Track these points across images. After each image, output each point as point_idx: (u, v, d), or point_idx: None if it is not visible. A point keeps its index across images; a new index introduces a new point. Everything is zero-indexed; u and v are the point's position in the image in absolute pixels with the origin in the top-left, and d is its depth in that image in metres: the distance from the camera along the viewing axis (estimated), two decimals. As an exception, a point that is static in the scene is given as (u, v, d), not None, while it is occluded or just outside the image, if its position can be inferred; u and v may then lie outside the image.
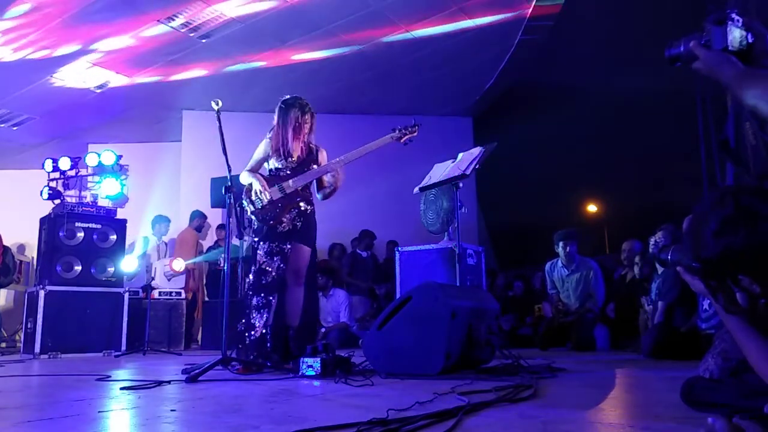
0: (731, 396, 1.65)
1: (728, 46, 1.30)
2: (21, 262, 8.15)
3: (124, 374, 3.52)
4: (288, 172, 3.77)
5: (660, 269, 4.82)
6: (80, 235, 5.80)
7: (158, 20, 6.19)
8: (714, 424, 1.14)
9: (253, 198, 3.75)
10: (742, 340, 1.41)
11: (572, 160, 11.15)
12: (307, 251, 3.81)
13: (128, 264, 6.24)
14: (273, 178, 3.78)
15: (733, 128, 1.45)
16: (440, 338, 2.94)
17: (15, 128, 8.76)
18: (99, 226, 5.94)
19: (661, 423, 1.63)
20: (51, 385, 3.02)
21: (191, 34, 6.54)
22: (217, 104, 3.46)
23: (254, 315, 3.62)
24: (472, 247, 5.04)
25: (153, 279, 6.38)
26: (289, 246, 3.72)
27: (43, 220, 5.97)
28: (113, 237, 6.01)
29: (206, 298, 7.40)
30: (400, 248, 5.10)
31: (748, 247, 1.21)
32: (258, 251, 3.73)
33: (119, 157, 6.27)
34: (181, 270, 6.92)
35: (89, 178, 6.29)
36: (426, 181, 4.87)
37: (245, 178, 3.80)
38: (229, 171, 3.47)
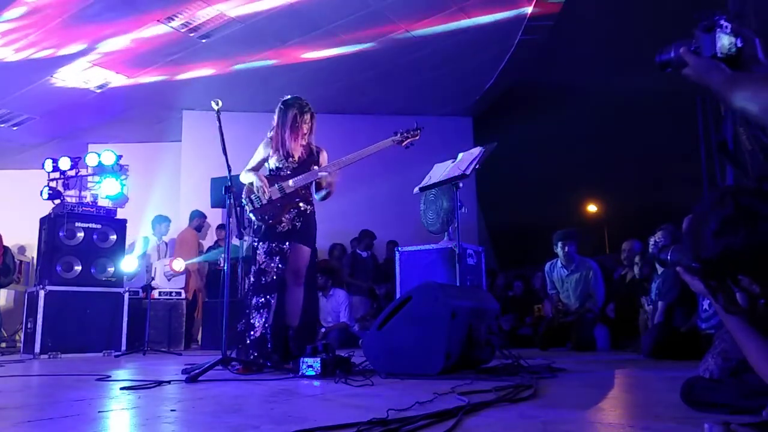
0: (731, 396, 1.65)
1: (717, 53, 1.31)
2: (21, 262, 8.15)
3: (124, 374, 3.52)
4: (288, 172, 3.77)
5: (660, 269, 4.82)
6: (80, 235, 5.81)
7: (158, 20, 6.20)
8: (711, 430, 1.14)
9: (253, 196, 3.75)
10: (742, 340, 1.41)
11: (572, 160, 11.14)
12: (307, 251, 3.80)
13: (128, 264, 6.24)
14: (273, 178, 3.78)
15: (731, 131, 1.46)
16: (440, 338, 2.94)
17: (15, 128, 8.76)
18: (99, 226, 5.94)
19: (661, 423, 1.63)
20: (51, 385, 3.02)
21: (191, 34, 6.54)
22: (217, 104, 3.46)
23: (254, 315, 3.62)
24: (472, 247, 5.04)
25: (153, 279, 6.38)
26: (288, 246, 3.73)
27: (43, 220, 5.97)
28: (113, 237, 6.01)
29: (206, 299, 7.40)
30: (400, 248, 5.10)
31: (748, 247, 1.21)
32: (258, 251, 3.74)
33: (119, 157, 6.28)
34: (181, 270, 6.92)
35: (89, 178, 6.29)
36: (426, 181, 4.87)
37: (246, 177, 3.81)
38: (229, 171, 3.47)
